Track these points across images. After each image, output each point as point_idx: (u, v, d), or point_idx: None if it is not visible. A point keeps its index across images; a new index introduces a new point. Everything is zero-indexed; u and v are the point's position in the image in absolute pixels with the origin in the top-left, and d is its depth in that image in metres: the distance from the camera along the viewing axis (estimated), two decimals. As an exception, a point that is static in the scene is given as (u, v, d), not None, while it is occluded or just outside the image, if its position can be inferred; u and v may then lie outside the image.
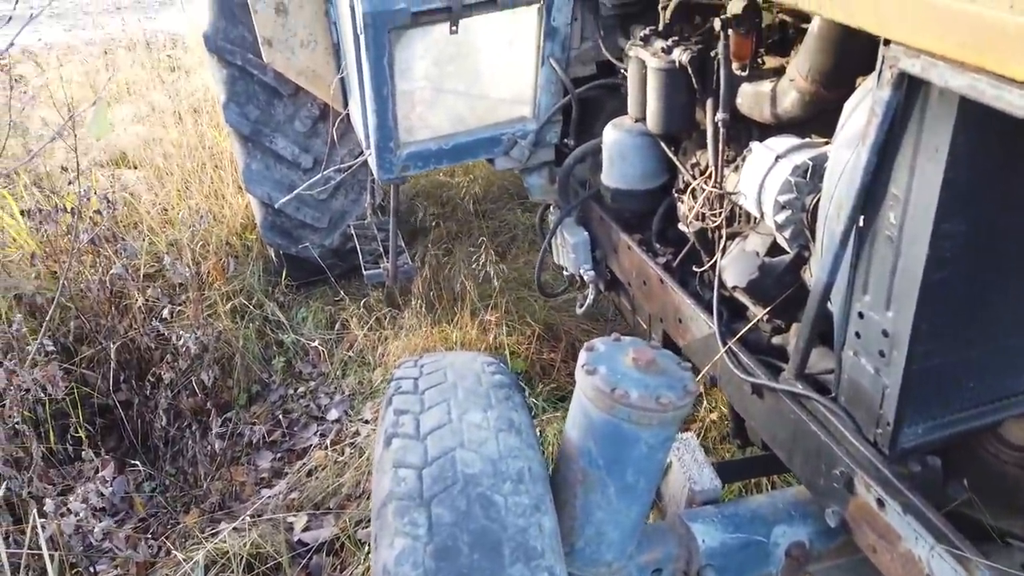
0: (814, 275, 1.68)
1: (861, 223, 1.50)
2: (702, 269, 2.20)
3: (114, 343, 3.55)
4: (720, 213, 2.06)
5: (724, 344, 2.02)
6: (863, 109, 1.54)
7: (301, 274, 4.41)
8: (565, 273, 3.11)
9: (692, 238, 2.34)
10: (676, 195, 2.43)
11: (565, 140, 2.97)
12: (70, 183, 3.77)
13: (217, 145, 5.37)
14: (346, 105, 3.51)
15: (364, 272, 3.38)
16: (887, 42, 1.30)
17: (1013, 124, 1.08)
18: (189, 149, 5.26)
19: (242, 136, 3.82)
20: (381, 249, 3.65)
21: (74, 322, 3.61)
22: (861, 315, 1.56)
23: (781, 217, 1.80)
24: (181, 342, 3.13)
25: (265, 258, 4.59)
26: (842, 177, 1.52)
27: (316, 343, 4.19)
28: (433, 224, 4.78)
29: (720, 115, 1.94)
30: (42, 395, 2.57)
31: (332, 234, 4.18)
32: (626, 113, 2.62)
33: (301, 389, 4.04)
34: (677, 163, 2.35)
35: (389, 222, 3.73)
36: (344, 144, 3.92)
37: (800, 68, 1.72)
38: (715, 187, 2.05)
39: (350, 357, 4.12)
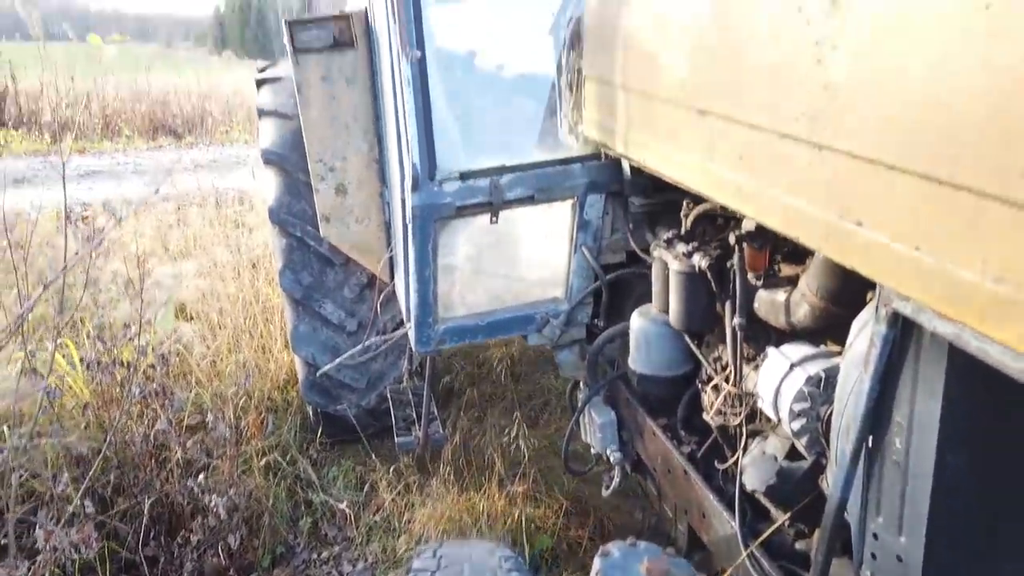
0: (830, 488, 1.69)
1: (870, 444, 1.53)
2: (724, 466, 2.22)
3: (149, 498, 3.62)
4: (740, 412, 2.11)
5: (746, 547, 2.00)
6: (866, 332, 1.62)
7: (336, 432, 4.49)
8: (593, 451, 3.13)
9: (715, 431, 2.37)
10: (700, 386, 2.48)
11: (595, 320, 3.09)
12: (130, 338, 3.98)
13: (269, 300, 5.66)
14: (392, 278, 3.73)
15: (396, 438, 3.45)
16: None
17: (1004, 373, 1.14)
18: (243, 304, 5.55)
19: (294, 300, 4.06)
20: (414, 415, 3.73)
21: (114, 473, 3.71)
22: (876, 536, 1.56)
23: (796, 425, 1.84)
24: (212, 504, 3.18)
25: (303, 414, 4.70)
26: (850, 397, 1.58)
27: (344, 504, 4.19)
28: (467, 386, 4.87)
29: (736, 320, 2.03)
30: (74, 555, 2.63)
31: (369, 395, 4.29)
32: (651, 300, 2.75)
33: (325, 554, 4.00)
34: (700, 356, 2.42)
35: (423, 388, 3.84)
36: (387, 311, 4.11)
37: (810, 285, 1.82)
38: (734, 387, 2.11)
39: (376, 522, 4.10)
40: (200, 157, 13.54)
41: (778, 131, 1.58)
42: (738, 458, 2.13)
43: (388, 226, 3.73)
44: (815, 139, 1.46)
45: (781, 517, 1.99)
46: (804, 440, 1.85)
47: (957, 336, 1.19)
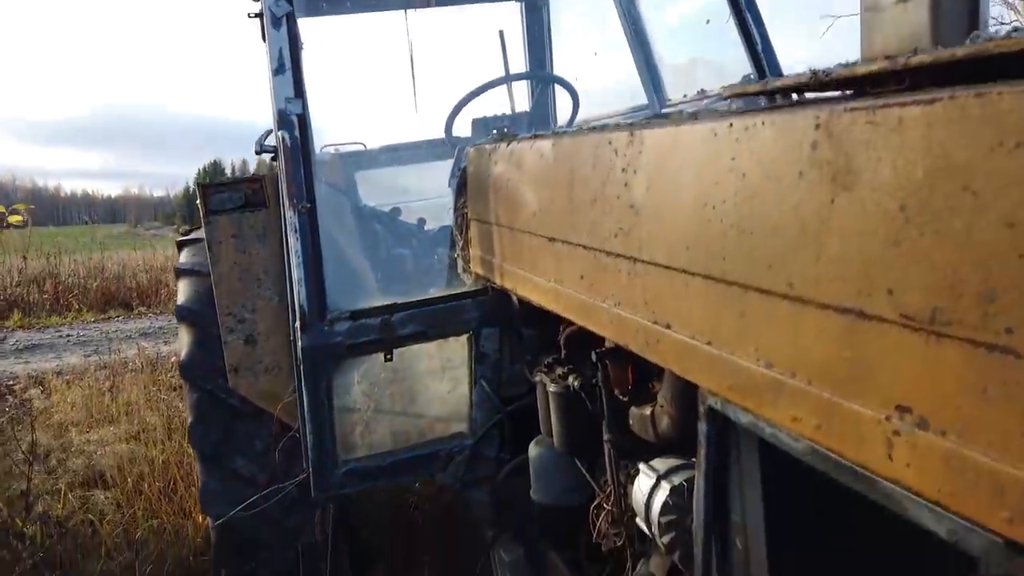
0: (696, 602, 1.65)
1: (720, 548, 1.52)
2: None
3: None
4: (621, 533, 2.07)
5: None
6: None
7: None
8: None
9: (609, 557, 2.31)
10: (592, 513, 2.44)
11: (502, 455, 3.06)
12: (26, 509, 3.79)
13: (193, 463, 5.47)
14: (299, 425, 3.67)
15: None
16: (697, 380, 1.45)
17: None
18: (165, 467, 5.36)
19: (203, 456, 3.94)
20: (326, 569, 3.55)
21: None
22: (738, 648, 1.51)
23: (666, 539, 1.82)
24: None
25: (220, 581, 4.42)
26: (696, 503, 1.58)
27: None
28: (389, 544, 4.67)
29: (607, 436, 2.05)
30: None
31: (285, 554, 4.08)
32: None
33: None
34: (590, 480, 2.41)
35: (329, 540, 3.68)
36: (299, 461, 4.00)
37: (664, 395, 1.86)
38: (614, 507, 2.09)
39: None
40: (147, 326, 13.46)
41: (604, 249, 1.68)
42: (625, 582, 2.07)
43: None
44: (629, 253, 1.56)
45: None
46: (676, 554, 1.82)
47: (754, 425, 1.23)
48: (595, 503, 2.33)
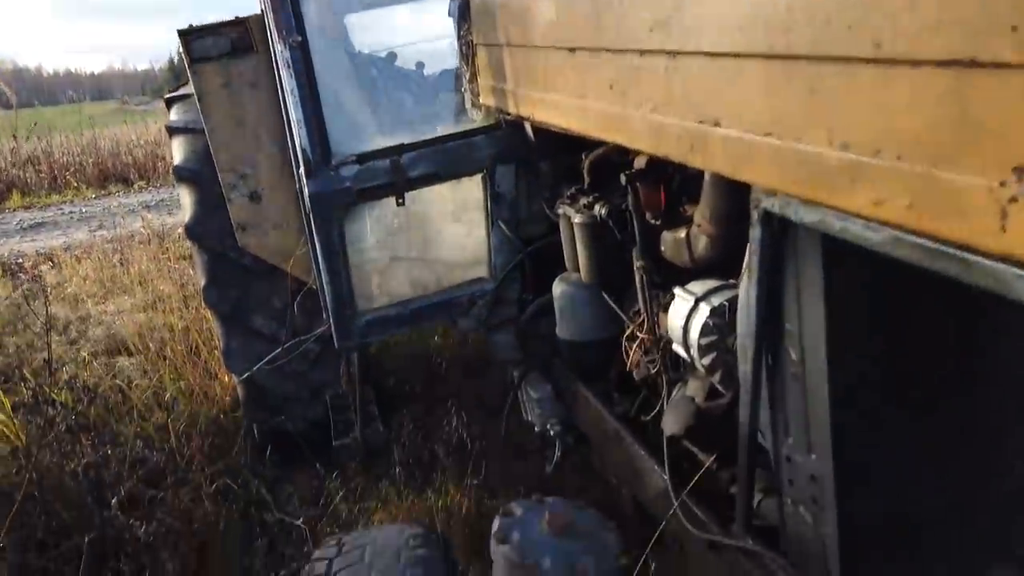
0: (739, 418, 1.61)
1: (770, 361, 1.45)
2: (647, 418, 2.12)
3: (88, 535, 3.45)
4: (657, 360, 2.02)
5: (676, 497, 1.91)
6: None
7: (284, 448, 4.34)
8: (535, 429, 3.03)
9: (643, 387, 2.28)
10: (624, 344, 2.39)
11: (525, 296, 3.00)
12: (51, 375, 3.82)
13: (212, 327, 5.49)
14: (314, 279, 3.61)
15: (334, 443, 3.31)
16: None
17: (885, 258, 1.05)
18: (185, 333, 5.39)
19: (222, 316, 3.91)
20: (354, 418, 3.60)
21: (48, 515, 3.53)
22: (788, 459, 1.47)
23: (707, 360, 1.76)
24: (146, 532, 3.03)
25: (254, 435, 4.54)
26: (743, 316, 1.50)
27: (300, 521, 4.05)
28: (413, 388, 4.74)
29: (638, 263, 1.94)
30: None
31: (314, 406, 4.15)
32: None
33: (283, 573, 3.84)
34: (618, 311, 2.34)
35: (369, 393, 3.72)
36: (320, 316, 3.98)
37: (703, 213, 1.74)
38: (648, 334, 2.02)
39: (333, 533, 3.95)
40: (149, 199, 13.29)
41: (637, 48, 1.50)
42: (661, 407, 2.04)
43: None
44: (668, 47, 1.38)
45: (705, 460, 1.91)
46: (717, 375, 1.77)
47: (822, 222, 1.11)
48: (627, 334, 2.27)
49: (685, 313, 1.81)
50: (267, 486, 4.35)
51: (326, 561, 1.59)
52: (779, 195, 1.21)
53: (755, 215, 1.31)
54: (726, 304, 1.73)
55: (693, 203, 2.02)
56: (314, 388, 4.11)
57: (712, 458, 1.87)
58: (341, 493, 4.01)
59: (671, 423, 1.86)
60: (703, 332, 1.75)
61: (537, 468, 3.83)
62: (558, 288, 2.59)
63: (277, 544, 4.04)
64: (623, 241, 2.12)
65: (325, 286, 2.79)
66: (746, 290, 1.42)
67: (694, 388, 1.94)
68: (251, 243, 3.61)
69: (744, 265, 1.61)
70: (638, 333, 2.09)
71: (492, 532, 1.45)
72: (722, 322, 1.73)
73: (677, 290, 1.89)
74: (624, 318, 2.31)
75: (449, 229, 2.90)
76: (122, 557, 3.43)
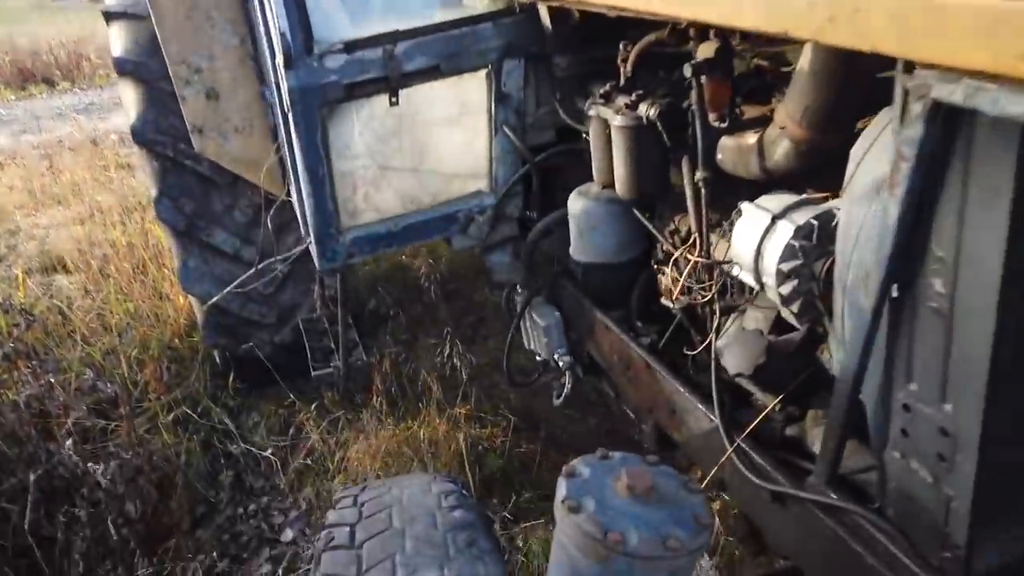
0: (839, 359, 1.38)
1: (895, 293, 1.20)
2: (695, 352, 1.88)
3: (35, 472, 3.11)
4: (711, 286, 1.76)
5: (731, 441, 1.69)
6: (877, 154, 1.27)
7: (250, 376, 4.02)
8: (538, 358, 2.78)
9: (680, 315, 2.03)
10: (656, 267, 2.13)
11: (528, 213, 2.69)
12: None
13: (161, 243, 5.03)
14: (288, 190, 3.22)
15: (313, 371, 3.02)
16: (910, 68, 1.03)
17: None
18: (130, 249, 4.92)
19: (177, 232, 3.50)
20: (332, 345, 3.29)
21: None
22: (907, 408, 1.24)
23: (787, 289, 1.50)
24: (102, 470, 2.72)
25: (212, 361, 4.20)
26: (863, 238, 1.23)
27: (268, 452, 3.78)
28: (393, 312, 4.44)
29: (701, 174, 1.66)
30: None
31: (282, 330, 3.82)
32: (591, 180, 2.37)
33: (252, 507, 3.60)
34: (653, 231, 2.06)
35: (339, 314, 3.41)
36: (291, 232, 3.61)
37: (792, 112, 1.45)
38: (702, 257, 1.75)
39: (307, 466, 3.71)
40: (76, 102, 12.25)
41: None
42: (711, 341, 1.80)
43: (275, 132, 3.19)
44: None
45: (766, 401, 1.69)
46: (796, 306, 1.52)
47: (1011, 100, 0.84)
48: (666, 259, 2.01)
49: (759, 233, 1.55)
50: (230, 415, 4.06)
51: (346, 528, 1.33)
52: (966, 80, 0.93)
53: (916, 108, 1.03)
54: (814, 224, 1.47)
55: (760, 106, 1.73)
56: (283, 311, 3.77)
57: (777, 399, 1.64)
58: (314, 422, 3.75)
59: (736, 360, 1.62)
60: (785, 256, 1.49)
61: (539, 401, 3.61)
62: (578, 203, 2.29)
63: (244, 476, 3.78)
64: (672, 148, 1.82)
65: (305, 199, 2.44)
66: (882, 206, 1.15)
67: (755, 320, 1.69)
68: (209, 148, 3.18)
69: (848, 180, 1.35)
70: (688, 256, 1.81)
71: (558, 497, 1.20)
72: (808, 245, 1.47)
73: (746, 206, 1.61)
74: (661, 238, 2.03)
75: (446, 135, 2.54)
76: (75, 496, 3.12)
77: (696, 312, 1.94)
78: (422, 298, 4.66)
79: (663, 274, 2.11)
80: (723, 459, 1.69)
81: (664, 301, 2.17)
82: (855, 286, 1.29)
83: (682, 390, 1.91)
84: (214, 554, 3.37)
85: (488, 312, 4.51)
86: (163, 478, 3.63)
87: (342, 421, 3.77)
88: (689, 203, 1.80)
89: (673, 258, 1.86)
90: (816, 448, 1.62)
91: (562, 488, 1.22)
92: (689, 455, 1.97)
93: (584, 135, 2.46)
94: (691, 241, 1.82)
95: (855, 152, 1.35)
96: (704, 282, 1.80)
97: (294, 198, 3.05)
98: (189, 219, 3.49)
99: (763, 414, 1.65)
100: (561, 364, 2.54)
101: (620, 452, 1.31)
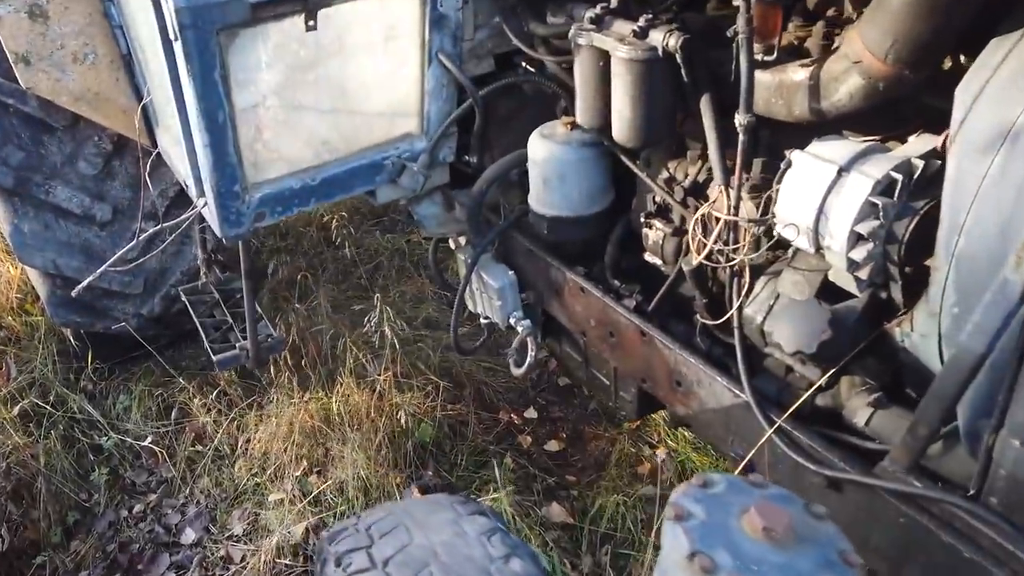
0: (923, 331, 1.20)
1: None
2: (718, 321, 1.67)
3: None
4: (743, 247, 1.53)
5: (768, 421, 1.51)
6: (998, 96, 1.07)
7: (113, 353, 3.42)
8: (483, 322, 2.48)
9: (686, 276, 1.79)
10: (643, 220, 1.88)
11: (466, 157, 2.33)
12: None
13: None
14: (154, 139, 2.62)
15: (213, 356, 2.54)
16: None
17: None
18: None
19: (3, 190, 2.80)
20: (228, 318, 2.79)
21: None
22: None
23: (860, 253, 1.30)
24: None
25: (60, 339, 3.53)
26: (984, 195, 1.04)
27: (148, 441, 3.26)
28: (278, 263, 3.92)
29: (743, 117, 1.39)
30: None
31: (151, 300, 3.24)
32: (529, 118, 2.10)
33: (138, 507, 3.10)
34: (649, 182, 1.80)
35: (232, 281, 2.91)
36: (155, 182, 3.00)
37: (874, 44, 1.21)
38: (732, 215, 1.51)
39: (198, 452, 3.23)
40: None
41: None
42: (737, 308, 1.58)
43: (128, 59, 2.56)
44: None
45: (805, 374, 1.51)
46: (865, 271, 1.33)
47: None
48: (658, 209, 1.77)
49: (822, 189, 1.32)
50: (92, 401, 3.45)
51: (362, 553, 1.02)
52: None
53: None
54: (896, 178, 1.26)
55: (802, 33, 1.48)
56: (150, 278, 3.18)
57: (825, 375, 1.46)
58: (200, 400, 3.25)
59: (794, 335, 1.41)
60: (861, 215, 1.28)
61: (458, 358, 3.30)
62: (543, 148, 1.97)
63: (122, 472, 3.24)
64: (693, 85, 1.53)
65: (200, 152, 1.94)
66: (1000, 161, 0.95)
67: (795, 284, 1.49)
68: (41, 84, 2.51)
69: (956, 124, 1.14)
70: (718, 213, 1.56)
71: (678, 550, 0.95)
72: (889, 203, 1.27)
73: (799, 156, 1.38)
74: (657, 188, 1.77)
75: (370, 67, 2.10)
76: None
77: (705, 275, 1.72)
78: (303, 248, 4.16)
79: (651, 228, 1.87)
80: (762, 441, 1.51)
81: (649, 257, 1.94)
82: (970, 252, 1.10)
83: (693, 361, 1.70)
84: (100, 569, 2.88)
85: (383, 259, 4.10)
86: (19, 486, 3.04)
87: (235, 397, 3.30)
88: (713, 152, 1.54)
89: (698, 215, 1.60)
90: (859, 420, 1.48)
91: (679, 537, 0.97)
92: (701, 431, 1.78)
93: (523, 67, 2.15)
94: (716, 199, 1.56)
95: (962, 94, 1.14)
96: (727, 241, 1.57)
97: (167, 149, 2.48)
98: (18, 173, 2.78)
99: (810, 391, 1.47)
100: (521, 329, 2.25)
101: (718, 474, 1.07)
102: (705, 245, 1.57)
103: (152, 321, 3.34)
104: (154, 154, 2.52)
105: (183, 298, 2.89)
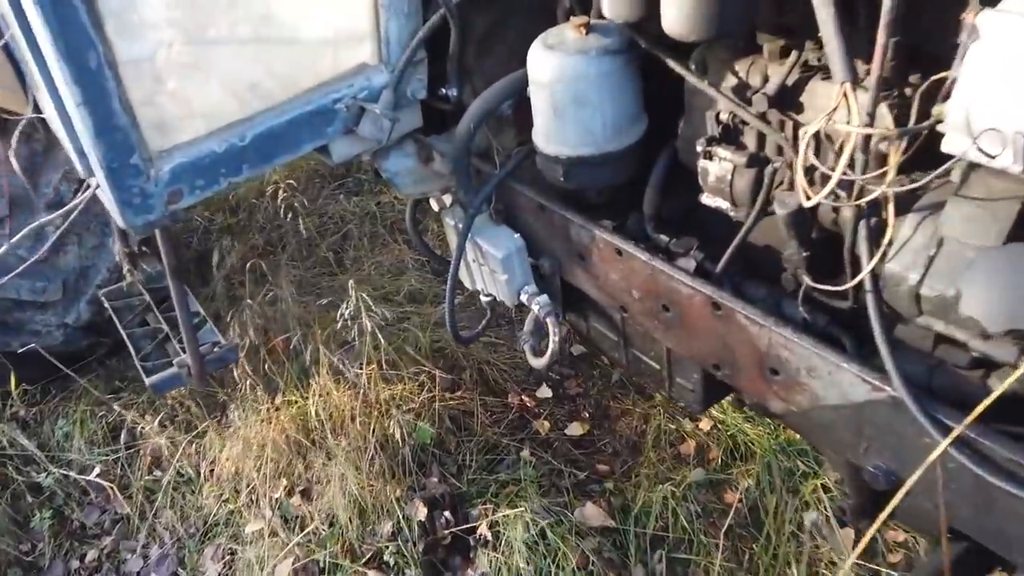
0: None
1: None
2: (847, 285, 1.16)
3: None
4: (889, 172, 1.02)
5: (941, 429, 1.03)
6: None
7: (41, 373, 2.87)
8: (484, 300, 1.97)
9: (767, 223, 1.29)
10: (701, 150, 1.36)
11: (444, 91, 1.77)
12: None
13: None
14: (36, 103, 2.03)
15: (146, 380, 2.00)
16: None
17: None
18: None
19: None
20: (164, 325, 2.24)
21: None
22: None
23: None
24: None
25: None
26: None
27: (95, 474, 2.74)
28: (228, 246, 3.35)
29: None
30: None
31: (75, 306, 2.69)
32: (517, 33, 1.62)
33: (91, 554, 2.60)
34: (715, 92, 1.27)
35: (165, 278, 2.35)
36: (51, 164, 2.42)
37: None
38: (867, 126, 1.00)
39: (156, 480, 2.73)
40: None
41: None
42: (868, 270, 1.09)
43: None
44: None
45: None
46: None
47: None
48: (725, 132, 1.25)
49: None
50: (25, 430, 2.92)
51: None
52: None
53: None
54: None
55: None
56: (70, 281, 2.62)
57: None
58: (152, 416, 2.74)
59: (1004, 302, 0.91)
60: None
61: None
62: (550, 62, 1.43)
63: (68, 513, 2.73)
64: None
65: (71, 110, 1.38)
66: None
67: (972, 226, 0.99)
68: None
69: None
70: (843, 125, 1.04)
71: None
72: None
73: (992, 17, 0.86)
74: (729, 100, 1.25)
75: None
76: None
77: (804, 216, 1.21)
78: (257, 224, 3.58)
79: (713, 159, 1.35)
80: (935, 456, 1.02)
81: (712, 201, 1.43)
82: None
83: (801, 342, 1.20)
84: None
85: (351, 226, 3.54)
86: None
87: (193, 411, 2.79)
88: (830, 30, 1.01)
89: (812, 129, 1.07)
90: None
91: None
92: (810, 434, 1.31)
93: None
94: (833, 107, 1.04)
95: None
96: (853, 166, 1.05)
97: (49, 113, 1.90)
98: None
99: (1009, 381, 0.98)
100: (536, 308, 1.74)
101: None
102: (818, 175, 1.05)
103: (82, 330, 2.79)
104: (25, 120, 1.93)
105: (105, 304, 2.33)
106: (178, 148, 1.55)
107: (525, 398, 2.75)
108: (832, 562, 2.07)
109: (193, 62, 1.51)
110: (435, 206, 1.99)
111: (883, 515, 1.08)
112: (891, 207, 1.04)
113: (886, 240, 1.05)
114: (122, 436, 2.82)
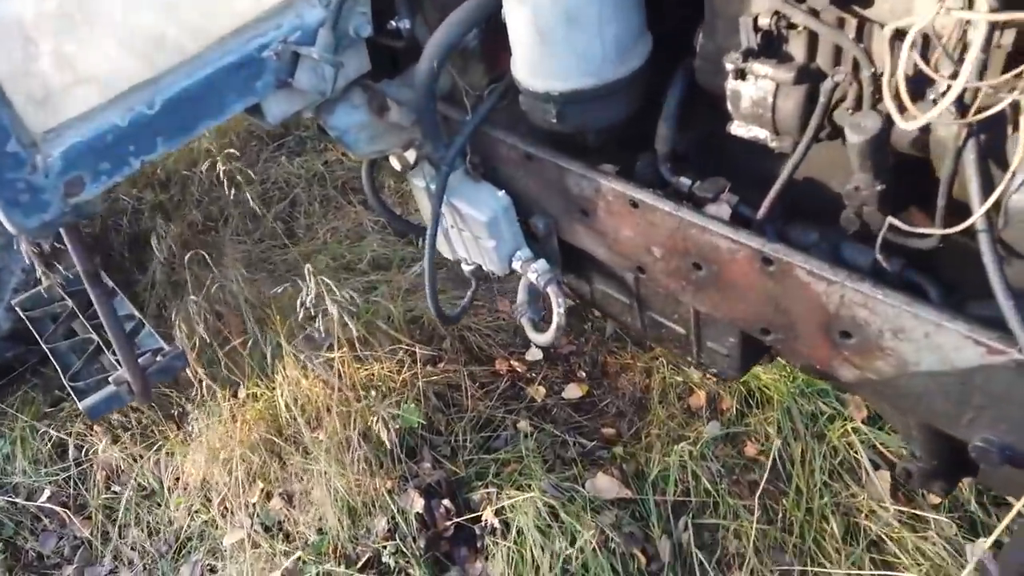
0: None
1: None
2: (959, 228, 0.92)
3: None
4: (1014, 80, 0.77)
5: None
6: None
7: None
8: (466, 269, 1.69)
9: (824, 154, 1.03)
10: (733, 67, 1.09)
11: (392, 25, 1.46)
12: None
13: None
14: None
15: (79, 404, 1.69)
16: None
17: None
18: None
19: None
20: (95, 335, 1.92)
21: None
22: None
23: None
24: None
25: None
26: None
27: (46, 498, 2.46)
28: (164, 225, 2.98)
29: None
30: None
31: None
32: None
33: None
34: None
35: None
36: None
37: None
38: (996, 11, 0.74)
39: (115, 495, 2.45)
40: None
41: None
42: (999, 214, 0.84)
43: None
44: None
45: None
46: None
47: None
48: (767, 43, 0.98)
49: None
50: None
51: None
52: None
53: None
54: None
55: None
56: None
57: None
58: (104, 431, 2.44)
59: None
60: None
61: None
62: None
63: (20, 543, 2.45)
64: None
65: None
66: None
67: None
68: None
69: None
70: (933, 29, 0.78)
71: None
72: None
73: None
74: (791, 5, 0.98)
75: None
76: None
77: (881, 143, 0.96)
78: (194, 196, 3.20)
79: (748, 77, 1.08)
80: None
81: (747, 131, 1.16)
82: None
83: (887, 299, 0.97)
84: None
85: (297, 190, 3.20)
86: None
87: (147, 416, 2.50)
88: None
89: (913, 29, 0.80)
90: None
91: None
92: (900, 404, 1.08)
93: None
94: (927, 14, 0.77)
95: None
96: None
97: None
98: None
99: None
100: (533, 276, 1.48)
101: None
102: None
103: (5, 341, 2.45)
104: None
105: (20, 314, 1.99)
106: (68, 125, 1.22)
107: (515, 363, 2.51)
108: (872, 511, 1.91)
109: (73, 12, 1.18)
110: (397, 166, 1.69)
111: (1011, 514, 0.87)
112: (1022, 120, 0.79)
113: (1015, 164, 0.80)
114: (70, 452, 2.52)
